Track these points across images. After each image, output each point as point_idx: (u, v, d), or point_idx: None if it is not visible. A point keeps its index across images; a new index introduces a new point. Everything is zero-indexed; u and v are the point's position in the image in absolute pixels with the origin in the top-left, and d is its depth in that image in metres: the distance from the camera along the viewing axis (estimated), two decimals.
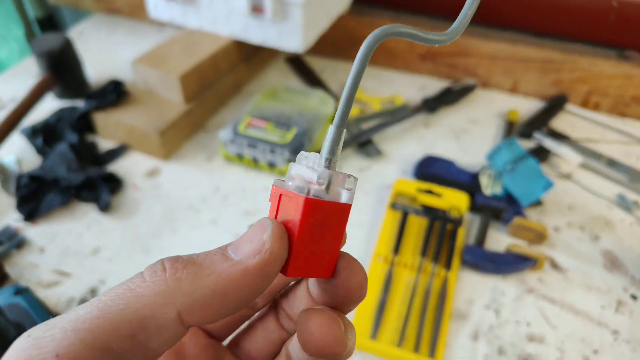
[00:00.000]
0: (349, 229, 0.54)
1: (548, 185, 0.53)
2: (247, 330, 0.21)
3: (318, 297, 0.18)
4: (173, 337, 0.15)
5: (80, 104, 0.67)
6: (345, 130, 0.16)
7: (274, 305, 0.21)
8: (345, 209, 0.16)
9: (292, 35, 0.64)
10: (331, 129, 0.16)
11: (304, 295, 0.19)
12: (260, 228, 0.16)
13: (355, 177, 0.17)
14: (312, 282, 0.19)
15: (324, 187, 0.16)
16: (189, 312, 0.15)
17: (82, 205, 0.56)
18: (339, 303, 0.18)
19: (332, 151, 0.16)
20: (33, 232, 0.53)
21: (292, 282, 0.21)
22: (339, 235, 0.16)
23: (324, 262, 0.17)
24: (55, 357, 0.13)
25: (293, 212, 0.16)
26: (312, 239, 0.16)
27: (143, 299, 0.14)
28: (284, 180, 0.17)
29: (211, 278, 0.15)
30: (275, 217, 0.17)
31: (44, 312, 0.39)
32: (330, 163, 0.16)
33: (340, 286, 0.17)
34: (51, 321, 0.14)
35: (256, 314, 0.22)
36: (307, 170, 0.16)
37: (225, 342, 0.22)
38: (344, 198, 0.16)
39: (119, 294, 0.14)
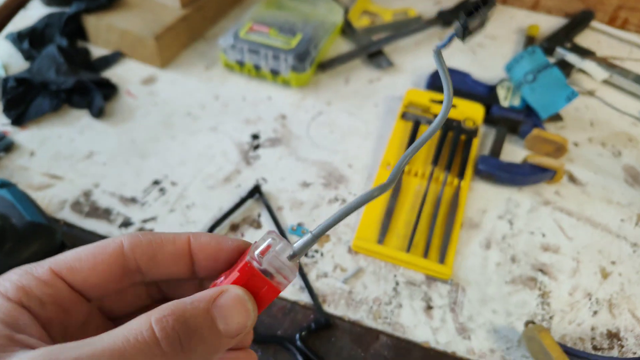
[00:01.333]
0: (356, 139, 0.52)
1: (573, 95, 0.49)
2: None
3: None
4: None
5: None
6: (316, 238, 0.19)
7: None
8: (275, 291, 0.19)
9: None
10: (309, 236, 0.19)
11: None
12: (244, 309, 0.18)
13: (296, 274, 0.20)
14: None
15: (271, 271, 0.19)
16: None
17: (74, 111, 0.53)
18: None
19: (301, 251, 0.19)
20: (22, 135, 0.50)
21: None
22: (261, 306, 0.19)
23: None
24: None
25: (236, 267, 0.19)
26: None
27: None
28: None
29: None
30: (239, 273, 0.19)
31: (30, 205, 0.37)
32: (293, 258, 0.19)
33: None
34: None
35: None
36: (274, 253, 0.19)
37: None
38: (277, 283, 0.19)
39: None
